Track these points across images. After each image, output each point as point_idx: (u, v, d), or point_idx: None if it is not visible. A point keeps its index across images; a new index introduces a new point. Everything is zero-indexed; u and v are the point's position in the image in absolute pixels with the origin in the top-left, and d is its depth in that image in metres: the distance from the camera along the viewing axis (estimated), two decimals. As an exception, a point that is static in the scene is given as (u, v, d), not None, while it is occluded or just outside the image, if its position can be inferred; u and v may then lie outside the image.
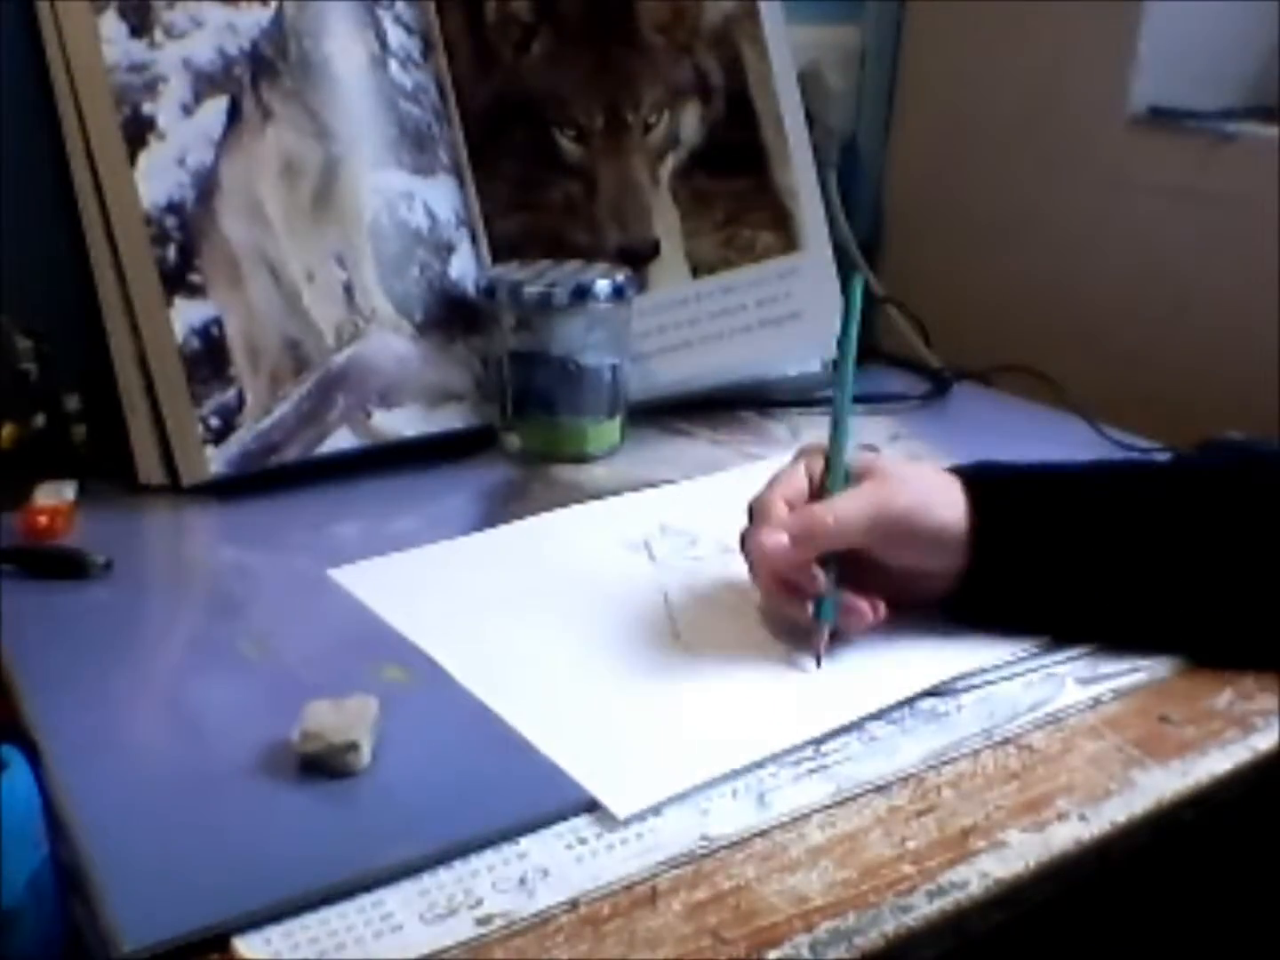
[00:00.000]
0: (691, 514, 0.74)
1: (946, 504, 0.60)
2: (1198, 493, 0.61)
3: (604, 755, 0.52)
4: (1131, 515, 0.61)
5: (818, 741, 0.53)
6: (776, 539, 0.58)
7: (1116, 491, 0.62)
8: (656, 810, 0.49)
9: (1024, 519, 0.60)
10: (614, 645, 0.61)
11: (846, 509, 0.59)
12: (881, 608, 0.60)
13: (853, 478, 0.61)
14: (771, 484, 0.62)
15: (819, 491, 0.61)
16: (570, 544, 0.71)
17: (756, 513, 0.61)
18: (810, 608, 0.59)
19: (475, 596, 0.66)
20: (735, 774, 0.51)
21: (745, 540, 0.60)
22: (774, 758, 0.52)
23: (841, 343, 0.64)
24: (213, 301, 0.77)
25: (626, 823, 0.48)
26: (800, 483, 0.62)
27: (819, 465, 0.62)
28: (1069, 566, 0.60)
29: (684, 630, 0.62)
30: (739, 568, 0.63)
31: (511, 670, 0.58)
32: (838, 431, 0.62)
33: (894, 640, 0.61)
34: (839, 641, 0.60)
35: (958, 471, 0.63)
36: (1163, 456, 0.80)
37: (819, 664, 0.59)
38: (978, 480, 0.62)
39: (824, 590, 0.59)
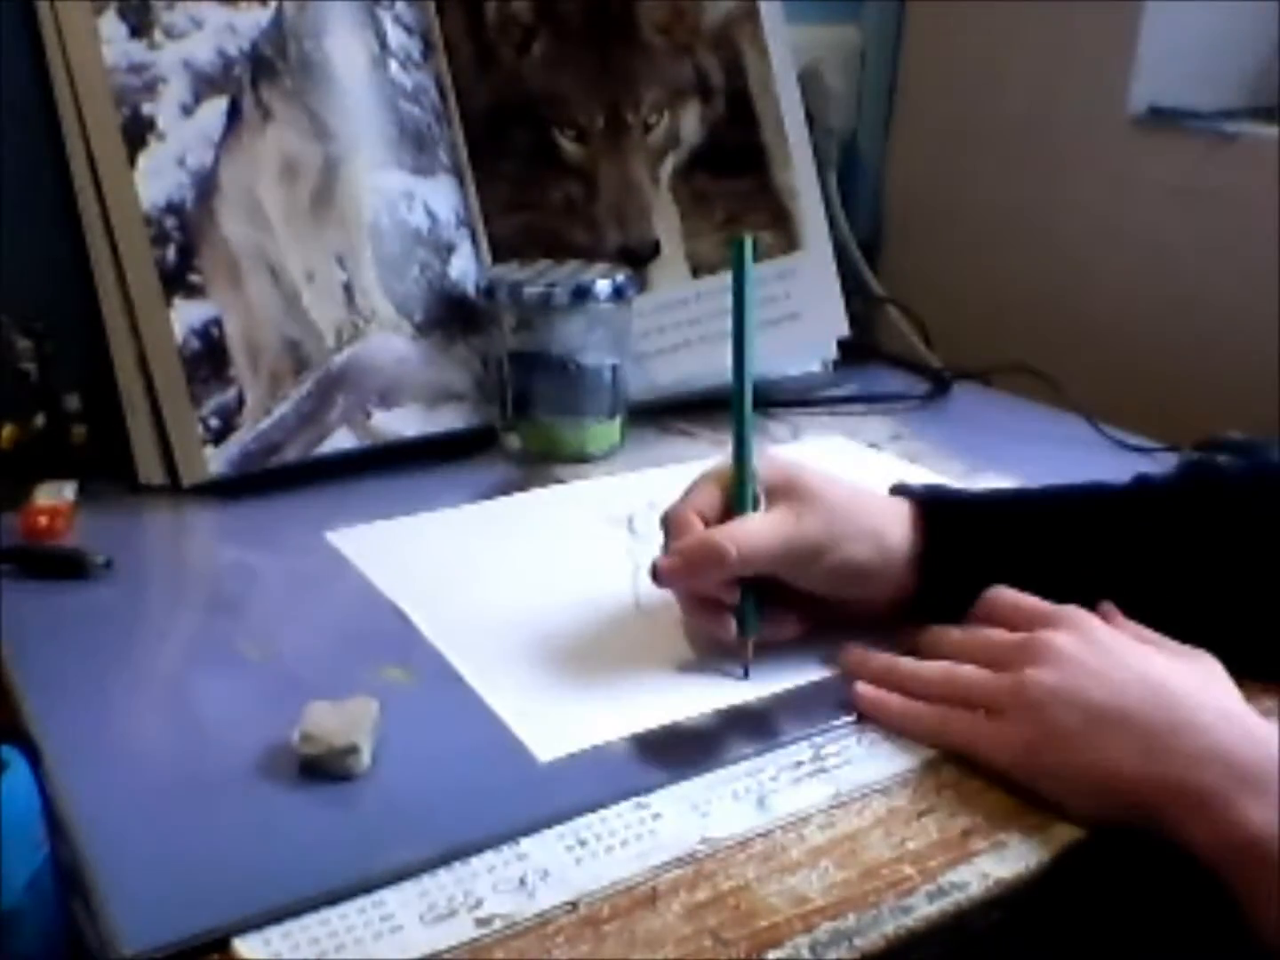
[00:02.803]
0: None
1: (861, 535, 0.57)
2: (1152, 519, 0.60)
3: (538, 706, 0.56)
4: (1082, 542, 0.60)
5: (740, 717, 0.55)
6: (672, 565, 0.57)
7: (1068, 520, 0.60)
8: (650, 809, 0.49)
9: (974, 545, 0.59)
10: (575, 609, 0.64)
11: (750, 539, 0.56)
12: (796, 624, 0.59)
13: (768, 492, 0.58)
14: (684, 496, 0.60)
15: (729, 507, 0.58)
16: (557, 517, 0.76)
17: (668, 529, 0.59)
18: (733, 624, 0.58)
19: (461, 563, 0.70)
20: (672, 736, 0.53)
21: (654, 564, 0.58)
22: (718, 720, 0.55)
23: (736, 330, 0.58)
24: (212, 302, 0.77)
25: (548, 763, 0.51)
26: (711, 495, 0.59)
27: (728, 475, 0.59)
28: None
29: (643, 598, 0.64)
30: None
31: (476, 631, 0.62)
32: (741, 442, 0.58)
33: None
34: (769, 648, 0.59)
35: (905, 492, 0.61)
36: (1166, 467, 0.80)
37: (746, 674, 0.58)
38: (928, 504, 0.60)
39: (737, 604, 0.57)
